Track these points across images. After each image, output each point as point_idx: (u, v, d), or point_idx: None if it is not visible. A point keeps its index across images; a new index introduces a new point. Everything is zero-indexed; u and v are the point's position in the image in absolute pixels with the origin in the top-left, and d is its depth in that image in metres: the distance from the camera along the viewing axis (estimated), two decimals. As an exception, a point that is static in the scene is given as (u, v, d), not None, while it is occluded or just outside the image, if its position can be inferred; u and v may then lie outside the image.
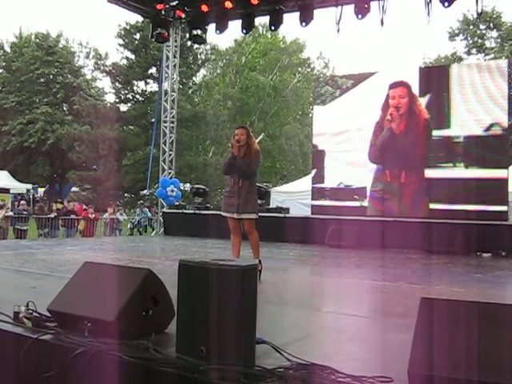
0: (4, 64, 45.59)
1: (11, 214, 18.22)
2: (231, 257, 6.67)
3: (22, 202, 20.18)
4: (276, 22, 13.98)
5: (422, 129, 13.16)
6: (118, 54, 39.44)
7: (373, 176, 13.61)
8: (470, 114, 12.66)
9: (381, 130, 13.61)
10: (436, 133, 12.99)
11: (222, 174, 7.81)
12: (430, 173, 12.93)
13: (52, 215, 18.35)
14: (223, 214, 6.99)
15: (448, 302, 2.75)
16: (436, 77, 13.66)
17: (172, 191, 16.21)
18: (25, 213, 18.22)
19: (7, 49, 46.17)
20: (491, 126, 12.41)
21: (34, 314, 3.73)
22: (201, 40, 15.66)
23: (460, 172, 12.64)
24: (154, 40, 16.66)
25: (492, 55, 33.98)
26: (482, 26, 35.47)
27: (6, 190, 30.85)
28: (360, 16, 12.37)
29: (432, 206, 12.77)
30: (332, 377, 2.71)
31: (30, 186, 35.89)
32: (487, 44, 35.56)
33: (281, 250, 11.25)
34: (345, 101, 14.44)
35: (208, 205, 16.38)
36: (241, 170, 6.76)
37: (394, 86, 13.61)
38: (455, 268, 9.26)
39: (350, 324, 4.37)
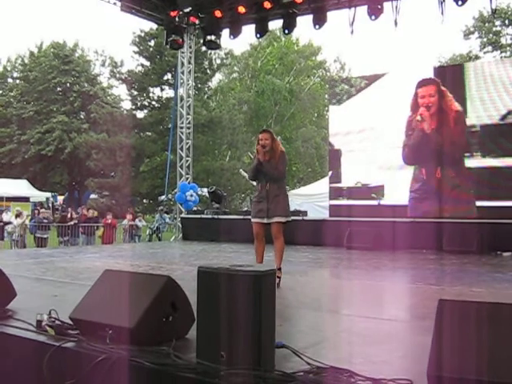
0: (22, 74, 46.11)
1: (27, 222, 18.46)
2: (250, 262, 6.66)
3: (42, 210, 20.41)
4: (289, 26, 14.01)
5: (455, 121, 12.88)
6: (133, 62, 39.65)
7: (411, 178, 13.43)
8: (486, 105, 12.54)
9: (411, 130, 13.40)
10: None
11: (249, 180, 7.78)
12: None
13: (72, 223, 18.51)
14: (252, 219, 6.87)
15: (466, 303, 2.75)
16: (452, 74, 13.59)
17: (191, 196, 16.28)
18: (45, 221, 18.39)
19: (25, 59, 46.68)
20: (508, 114, 12.30)
21: (57, 321, 3.78)
22: (215, 45, 15.73)
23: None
24: (168, 47, 16.75)
25: (508, 52, 33.69)
26: (497, 23, 35.17)
27: (25, 199, 31.17)
28: (373, 17, 12.36)
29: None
30: (351, 380, 2.72)
31: (49, 194, 36.21)
32: (503, 41, 35.24)
33: (299, 253, 11.25)
34: (360, 100, 14.43)
35: (226, 210, 16.42)
36: (268, 173, 6.68)
37: (422, 84, 13.35)
38: (475, 268, 9.19)
39: (368, 326, 4.37)
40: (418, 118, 13.19)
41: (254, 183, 7.09)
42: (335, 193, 14.58)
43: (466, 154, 12.64)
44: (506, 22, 34.61)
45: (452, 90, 13.01)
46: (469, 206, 12.49)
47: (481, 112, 12.60)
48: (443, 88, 13.12)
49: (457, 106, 12.95)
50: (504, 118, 12.36)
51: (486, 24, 35.10)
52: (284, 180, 7.12)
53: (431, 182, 13.08)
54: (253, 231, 6.88)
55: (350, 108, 14.56)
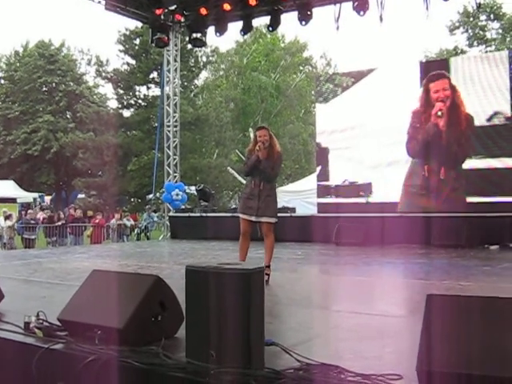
0: (6, 74, 45.81)
1: (14, 224, 18.35)
2: (238, 259, 6.66)
3: (30, 210, 20.29)
4: (274, 23, 14.00)
5: (466, 124, 12.77)
6: (118, 60, 39.50)
7: (407, 170, 13.40)
8: (474, 103, 12.59)
9: (419, 121, 13.24)
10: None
11: (244, 175, 7.73)
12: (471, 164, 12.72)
13: (59, 223, 18.41)
14: (240, 215, 6.88)
15: (454, 297, 2.76)
16: (437, 69, 13.62)
17: (177, 195, 16.23)
18: (32, 222, 18.28)
19: (11, 59, 46.38)
20: (494, 115, 12.36)
21: (45, 323, 3.76)
22: (201, 43, 15.69)
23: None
24: (154, 45, 16.68)
25: (493, 47, 33.84)
26: (482, 18, 35.31)
27: (12, 200, 30.90)
28: (362, 13, 12.32)
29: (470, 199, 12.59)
30: (341, 376, 2.72)
31: (36, 195, 35.98)
32: (488, 35, 35.38)
33: (288, 249, 11.25)
34: (346, 98, 14.45)
35: (214, 208, 16.40)
36: (264, 172, 6.65)
37: (434, 78, 13.19)
38: (463, 261, 9.25)
39: (358, 322, 4.38)
40: (439, 113, 12.92)
41: (244, 181, 7.04)
42: (323, 191, 14.59)
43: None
44: (491, 16, 34.77)
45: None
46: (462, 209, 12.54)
47: (468, 106, 12.65)
48: (453, 83, 13.02)
49: (465, 107, 12.81)
50: (490, 119, 12.42)
51: (471, 19, 35.24)
52: (276, 181, 7.14)
53: (432, 180, 13.04)
54: (240, 228, 6.88)
55: (336, 106, 14.56)
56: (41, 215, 20.76)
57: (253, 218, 6.75)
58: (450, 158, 12.86)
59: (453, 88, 12.99)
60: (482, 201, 12.28)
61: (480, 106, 12.55)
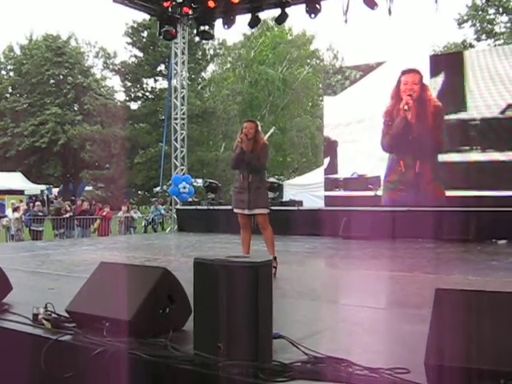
0: (14, 67, 45.92)
1: (22, 215, 18.43)
2: (242, 253, 6.67)
3: (37, 203, 20.36)
4: (282, 16, 13.95)
5: (433, 115, 13.03)
6: (126, 53, 39.57)
7: (386, 166, 13.54)
8: (486, 96, 12.54)
9: (391, 119, 13.53)
10: (451, 116, 12.87)
11: (231, 169, 7.74)
12: (446, 157, 12.81)
13: (67, 215, 18.47)
14: (234, 210, 6.92)
15: (462, 292, 2.75)
16: (450, 63, 13.61)
17: (184, 188, 16.23)
18: (40, 214, 18.34)
19: (17, 51, 46.50)
20: (508, 107, 12.31)
21: (53, 315, 3.77)
22: (208, 36, 15.64)
23: (477, 156, 12.53)
24: (161, 37, 16.65)
25: (502, 40, 33.61)
26: (491, 11, 35.08)
27: (20, 192, 31.06)
28: (375, 7, 12.24)
29: (448, 193, 12.68)
30: (349, 369, 2.72)
31: (44, 187, 36.12)
32: (497, 29, 35.16)
33: (295, 243, 11.25)
34: (355, 90, 14.41)
35: (221, 200, 16.40)
36: (250, 164, 6.66)
37: (406, 72, 13.50)
38: (471, 256, 9.22)
39: (366, 316, 4.37)
40: (406, 107, 13.28)
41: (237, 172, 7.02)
42: (331, 184, 14.56)
43: (466, 148, 12.63)
44: (500, 9, 34.54)
45: (450, 80, 13.00)
46: (440, 200, 12.66)
47: (480, 104, 12.58)
48: (425, 83, 13.25)
49: (436, 100, 13.07)
50: (504, 111, 12.36)
51: (480, 12, 35.03)
52: (265, 172, 7.15)
53: (409, 175, 13.21)
54: (238, 222, 6.93)
55: (344, 99, 14.53)
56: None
57: (246, 211, 6.78)
58: (423, 151, 13.02)
59: (422, 84, 13.24)
60: (463, 194, 12.37)
61: (493, 98, 12.47)
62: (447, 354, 2.46)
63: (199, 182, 24.13)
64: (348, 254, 10.03)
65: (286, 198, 17.25)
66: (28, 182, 35.09)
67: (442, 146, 12.87)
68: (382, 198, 13.59)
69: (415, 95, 13.25)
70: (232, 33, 68.70)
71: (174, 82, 17.45)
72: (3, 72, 47.76)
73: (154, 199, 26.88)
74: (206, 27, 14.98)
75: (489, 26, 35.01)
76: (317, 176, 18.67)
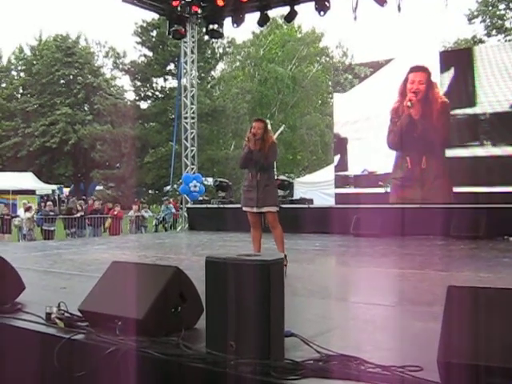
0: (24, 67, 46.15)
1: (34, 215, 18.52)
2: (253, 251, 6.68)
3: (49, 203, 20.47)
4: (289, 15, 13.93)
5: (440, 112, 12.97)
6: (135, 52, 39.68)
7: (393, 163, 13.51)
8: (496, 91, 12.47)
9: (398, 116, 13.50)
10: (461, 111, 12.80)
11: (240, 168, 7.75)
12: (454, 153, 12.74)
13: (78, 215, 18.56)
14: (243, 208, 6.94)
15: (475, 289, 2.74)
16: (459, 58, 13.55)
17: (195, 186, 16.25)
18: (51, 213, 18.43)
19: (27, 52, 46.74)
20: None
21: (66, 314, 3.79)
22: (218, 34, 15.65)
23: (487, 150, 12.45)
24: (171, 37, 16.68)
25: (512, 36, 33.42)
26: (501, 7, 34.85)
27: (31, 192, 31.21)
28: (384, 4, 12.19)
29: (457, 189, 12.62)
30: (361, 367, 2.72)
31: (55, 187, 36.27)
32: (507, 24, 34.92)
33: (306, 241, 11.24)
34: (365, 87, 14.35)
35: (232, 199, 16.40)
36: (258, 163, 6.67)
37: (414, 70, 13.44)
38: (482, 253, 9.18)
39: (377, 314, 4.37)
40: (409, 104, 13.29)
41: (245, 171, 7.04)
42: (341, 181, 14.54)
43: (475, 143, 12.56)
44: (510, 5, 34.29)
45: (459, 76, 12.93)
46: (447, 196, 12.61)
47: (490, 99, 12.51)
48: (434, 80, 13.16)
49: (443, 97, 13.00)
50: None
51: (490, 8, 34.80)
52: (273, 170, 7.15)
53: (415, 171, 13.16)
54: (248, 220, 6.94)
55: (355, 96, 14.48)
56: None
57: (255, 210, 6.79)
58: (429, 147, 12.97)
59: (429, 83, 13.17)
60: (472, 190, 12.27)
61: (502, 94, 12.40)
62: (460, 352, 2.45)
63: (209, 180, 24.14)
64: (358, 252, 10.01)
65: (297, 196, 17.23)
66: (39, 181, 35.23)
67: (449, 142, 12.82)
68: (390, 195, 13.53)
69: (420, 94, 13.21)
70: (241, 31, 68.65)
71: (183, 80, 17.48)
72: (14, 73, 48.08)
73: (164, 198, 26.92)
74: (215, 26, 15.00)
75: (499, 21, 34.76)
76: (327, 174, 18.64)
